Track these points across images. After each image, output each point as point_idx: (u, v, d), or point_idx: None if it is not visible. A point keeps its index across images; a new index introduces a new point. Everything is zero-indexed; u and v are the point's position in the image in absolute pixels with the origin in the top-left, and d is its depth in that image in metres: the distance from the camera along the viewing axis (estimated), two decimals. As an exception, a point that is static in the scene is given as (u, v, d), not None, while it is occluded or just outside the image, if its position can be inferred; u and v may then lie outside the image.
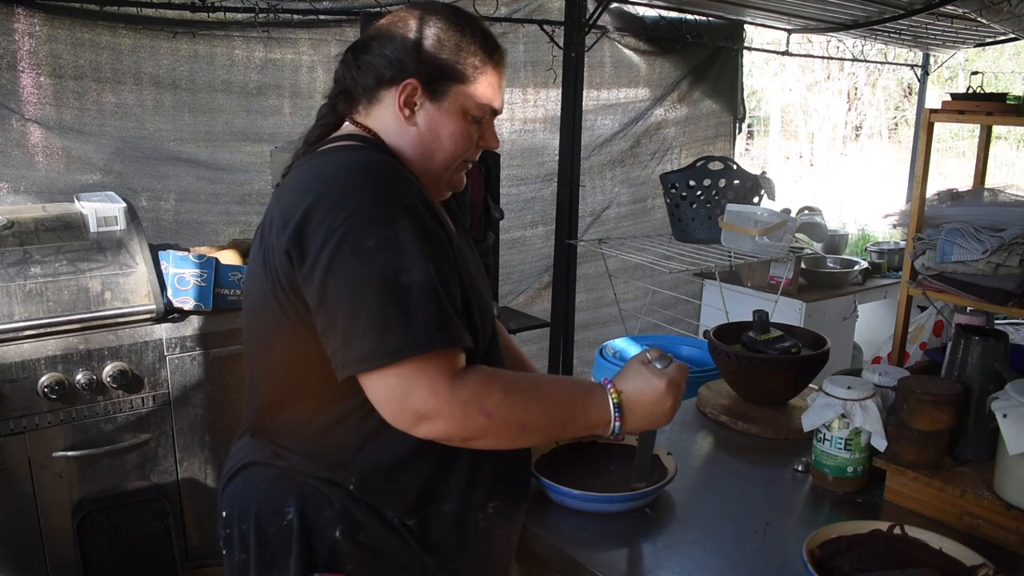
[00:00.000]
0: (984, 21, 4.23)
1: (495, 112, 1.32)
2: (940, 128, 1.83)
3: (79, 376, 2.15)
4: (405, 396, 1.11)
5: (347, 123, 1.32)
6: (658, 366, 1.26)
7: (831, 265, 4.20)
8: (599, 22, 3.71)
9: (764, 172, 3.43)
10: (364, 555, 1.22)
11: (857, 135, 14.55)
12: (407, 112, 1.26)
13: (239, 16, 2.97)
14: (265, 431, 1.28)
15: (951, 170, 11.21)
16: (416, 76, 1.24)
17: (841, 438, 1.51)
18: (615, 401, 1.23)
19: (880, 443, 1.49)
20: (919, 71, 5.71)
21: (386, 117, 1.28)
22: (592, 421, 1.24)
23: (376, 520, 1.22)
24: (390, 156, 1.25)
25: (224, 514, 1.31)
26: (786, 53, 4.99)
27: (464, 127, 1.28)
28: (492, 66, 1.29)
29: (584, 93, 3.72)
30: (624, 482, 1.44)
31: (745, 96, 5.00)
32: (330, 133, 1.33)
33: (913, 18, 4.14)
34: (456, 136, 1.28)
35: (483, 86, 1.28)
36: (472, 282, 1.26)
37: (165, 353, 2.28)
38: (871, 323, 4.35)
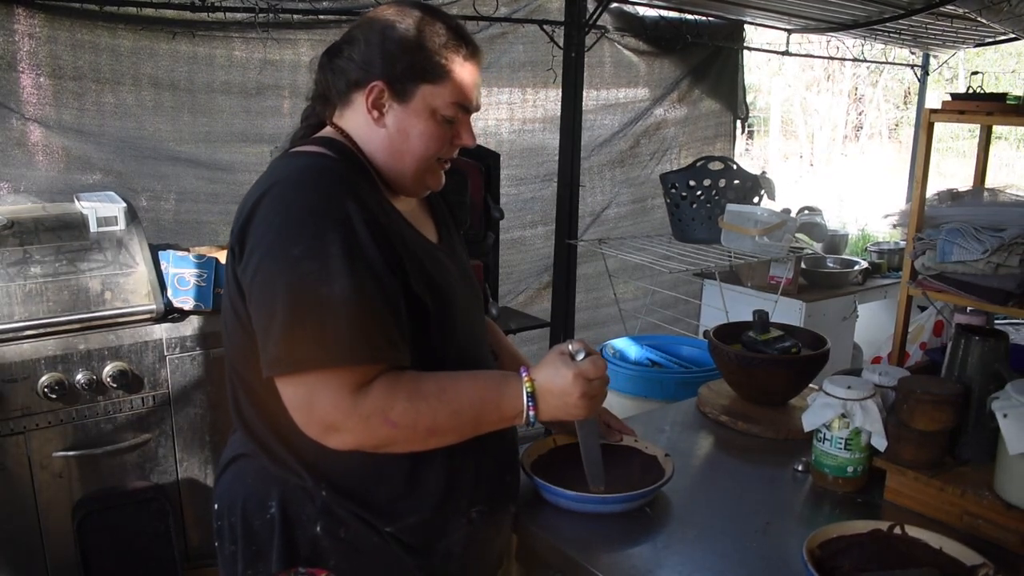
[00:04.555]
0: (984, 21, 4.23)
1: (468, 110, 1.30)
2: (940, 128, 1.83)
3: (79, 376, 2.15)
4: (311, 406, 1.13)
5: (327, 125, 1.32)
6: (579, 358, 1.25)
7: (831, 265, 4.19)
8: (599, 22, 3.71)
9: (764, 172, 3.42)
10: (346, 551, 1.23)
11: (857, 135, 14.55)
12: (376, 114, 1.25)
13: (239, 16, 2.97)
14: (243, 427, 1.28)
15: (951, 170, 11.19)
16: (382, 78, 1.23)
17: (841, 438, 1.51)
18: (529, 390, 1.23)
19: (880, 443, 1.49)
20: (919, 71, 5.71)
21: (358, 119, 1.28)
22: (506, 414, 1.23)
23: (356, 519, 1.22)
24: (352, 163, 1.25)
25: (216, 506, 1.32)
26: (786, 53, 4.99)
27: (433, 127, 1.26)
28: (461, 63, 1.26)
29: (584, 93, 3.72)
30: (622, 482, 1.44)
31: (746, 95, 4.99)
32: (313, 134, 1.33)
33: (913, 18, 4.14)
34: (425, 136, 1.26)
35: (453, 84, 1.25)
36: (441, 287, 1.26)
37: (165, 353, 2.28)
38: (871, 323, 4.34)
